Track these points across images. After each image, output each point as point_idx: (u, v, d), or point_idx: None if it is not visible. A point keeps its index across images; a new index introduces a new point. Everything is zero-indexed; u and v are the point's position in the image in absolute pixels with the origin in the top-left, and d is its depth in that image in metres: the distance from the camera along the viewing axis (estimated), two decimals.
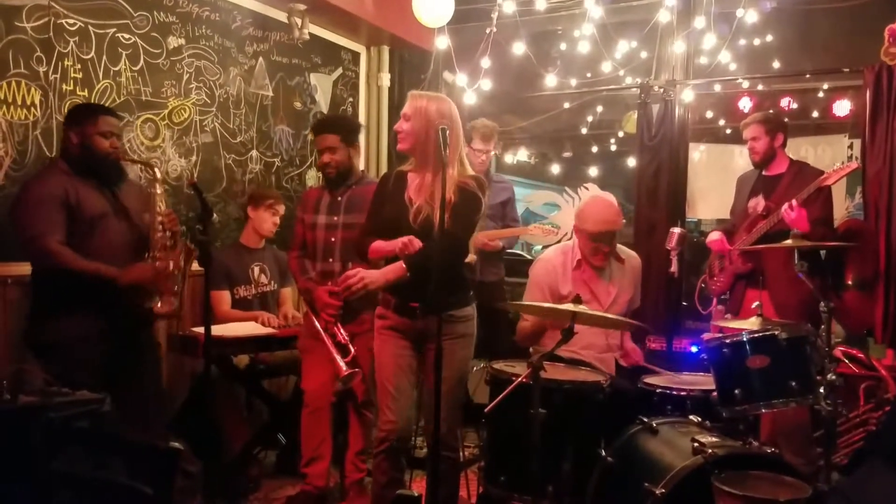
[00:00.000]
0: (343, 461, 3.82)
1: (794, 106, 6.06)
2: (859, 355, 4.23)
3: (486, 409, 2.86)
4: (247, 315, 4.17)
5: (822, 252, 4.03)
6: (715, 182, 5.33)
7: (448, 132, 2.82)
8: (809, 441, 3.87)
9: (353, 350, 3.54)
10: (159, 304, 3.29)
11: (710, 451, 2.58)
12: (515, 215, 5.07)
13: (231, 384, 4.19)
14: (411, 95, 3.17)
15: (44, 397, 2.66)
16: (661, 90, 5.08)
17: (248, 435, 4.19)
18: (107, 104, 3.79)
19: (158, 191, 3.36)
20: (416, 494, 2.69)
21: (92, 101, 3.75)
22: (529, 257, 5.52)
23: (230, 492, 3.81)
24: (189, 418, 3.90)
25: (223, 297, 4.17)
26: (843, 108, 5.53)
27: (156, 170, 3.44)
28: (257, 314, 4.15)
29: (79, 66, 3.73)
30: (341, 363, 3.46)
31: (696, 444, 2.63)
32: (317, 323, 3.62)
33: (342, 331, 3.58)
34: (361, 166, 4.06)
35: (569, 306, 2.90)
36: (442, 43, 4.72)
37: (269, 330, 4.01)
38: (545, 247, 5.33)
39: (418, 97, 3.13)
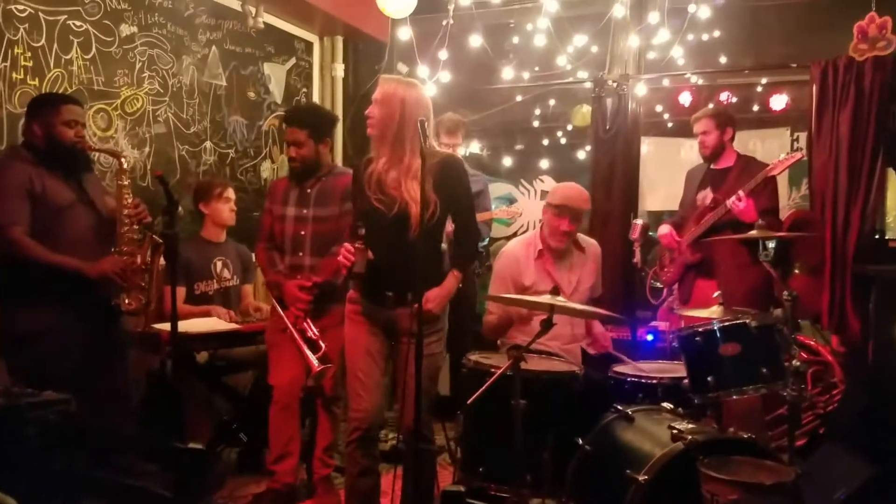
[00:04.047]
0: (310, 458, 3.77)
1: (734, 100, 6.20)
2: (808, 341, 4.40)
3: (468, 401, 2.87)
4: (199, 310, 4.05)
5: (771, 242, 4.17)
6: (662, 175, 5.44)
7: (427, 122, 2.81)
8: (762, 424, 4.01)
9: (323, 346, 3.47)
10: (126, 301, 3.18)
11: (689, 437, 2.64)
12: (489, 206, 5.11)
13: (191, 381, 4.08)
14: (381, 80, 3.09)
15: (9, 399, 2.56)
16: (615, 84, 5.15)
17: (210, 432, 4.10)
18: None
19: (125, 182, 3.25)
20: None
21: (46, 91, 3.59)
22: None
23: (194, 489, 3.72)
24: (149, 415, 3.80)
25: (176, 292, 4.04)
26: (779, 101, 5.67)
27: (122, 159, 3.31)
28: (211, 308, 4.05)
29: (29, 53, 3.57)
30: (313, 359, 3.38)
31: (674, 431, 2.69)
32: (285, 318, 3.53)
33: (312, 326, 3.52)
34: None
35: (547, 298, 2.94)
36: (402, 34, 4.68)
37: (232, 325, 3.91)
38: (502, 238, 5.38)
39: (388, 81, 3.06)
